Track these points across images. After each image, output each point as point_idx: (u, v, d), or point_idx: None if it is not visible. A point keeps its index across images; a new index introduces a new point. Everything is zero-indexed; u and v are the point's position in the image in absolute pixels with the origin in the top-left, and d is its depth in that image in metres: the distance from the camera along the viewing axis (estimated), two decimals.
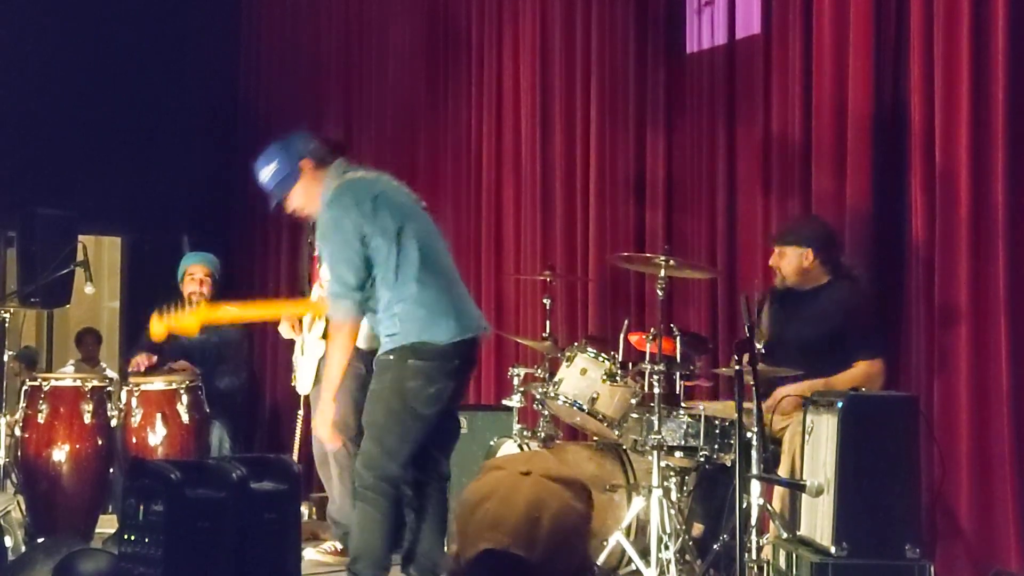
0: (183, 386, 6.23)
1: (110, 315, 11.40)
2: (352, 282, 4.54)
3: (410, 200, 4.82)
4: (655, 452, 5.02)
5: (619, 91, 6.78)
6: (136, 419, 6.15)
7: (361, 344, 6.21)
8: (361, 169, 4.81)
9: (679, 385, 5.34)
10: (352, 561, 4.77)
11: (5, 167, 8.71)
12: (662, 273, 5.28)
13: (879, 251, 5.41)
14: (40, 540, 5.56)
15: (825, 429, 4.36)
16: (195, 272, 7.01)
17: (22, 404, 6.13)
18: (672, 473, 5.16)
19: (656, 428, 5.03)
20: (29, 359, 8.47)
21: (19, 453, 6.12)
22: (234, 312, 5.96)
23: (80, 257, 6.99)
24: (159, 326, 5.69)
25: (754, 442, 4.57)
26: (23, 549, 5.50)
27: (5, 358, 6.52)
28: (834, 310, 5.15)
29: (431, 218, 4.86)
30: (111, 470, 6.20)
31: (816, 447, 4.42)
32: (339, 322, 4.61)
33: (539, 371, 5.84)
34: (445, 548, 4.91)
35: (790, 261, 5.25)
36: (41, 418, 6.04)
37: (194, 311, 5.70)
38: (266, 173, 4.78)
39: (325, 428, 4.71)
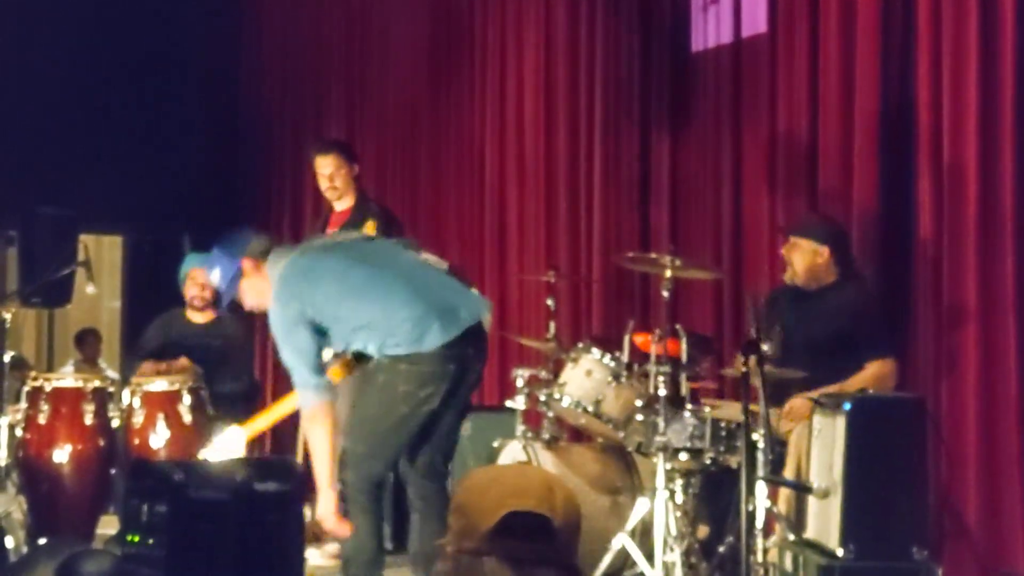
0: (185, 387, 6.21)
1: (110, 315, 11.39)
2: (308, 368, 4.55)
3: (345, 237, 4.90)
4: (660, 454, 4.99)
5: (624, 90, 6.76)
6: (138, 420, 6.13)
7: None
8: (291, 252, 4.80)
9: (685, 386, 5.31)
10: (344, 565, 4.75)
11: (6, 167, 8.69)
12: (667, 273, 5.25)
13: (886, 251, 5.38)
14: (41, 541, 5.54)
15: (832, 431, 4.33)
16: (197, 276, 6.97)
17: (23, 404, 6.11)
18: (677, 475, 5.13)
19: (661, 430, 5.01)
20: (23, 363, 8.45)
21: (20, 454, 6.10)
22: (264, 422, 5.93)
23: (81, 257, 6.97)
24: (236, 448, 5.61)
25: (760, 444, 4.54)
26: (24, 550, 5.48)
27: (6, 358, 6.50)
28: (843, 310, 5.12)
29: (380, 243, 4.98)
30: (112, 471, 6.17)
31: (823, 449, 4.40)
32: (309, 411, 4.57)
33: (543, 372, 5.81)
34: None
35: (804, 255, 5.20)
36: (42, 419, 6.03)
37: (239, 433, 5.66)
38: (213, 278, 4.87)
39: (329, 517, 4.57)
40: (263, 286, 4.71)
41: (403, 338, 4.52)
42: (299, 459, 6.66)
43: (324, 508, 4.57)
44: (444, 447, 4.78)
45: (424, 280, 4.71)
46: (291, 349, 4.56)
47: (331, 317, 4.55)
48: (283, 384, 8.50)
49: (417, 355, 4.52)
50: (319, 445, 4.56)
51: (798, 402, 4.92)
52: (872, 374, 4.98)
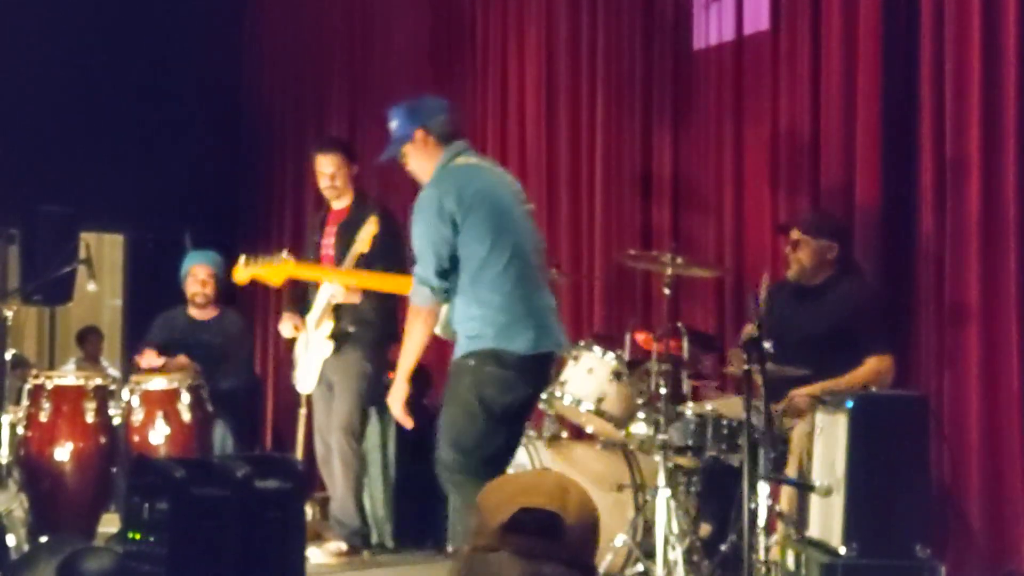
0: (185, 385, 6.21)
1: (112, 313, 11.38)
2: (434, 266, 4.44)
3: (516, 200, 4.67)
4: (662, 452, 4.98)
5: (625, 87, 6.75)
6: (138, 418, 6.13)
7: (369, 344, 6.20)
8: (477, 157, 4.71)
9: (686, 384, 5.31)
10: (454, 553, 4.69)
11: (7, 164, 8.68)
12: (669, 271, 5.25)
13: (888, 248, 5.37)
14: (43, 539, 5.53)
15: (835, 429, 4.33)
16: (198, 272, 7.01)
17: (25, 403, 6.11)
18: (679, 473, 5.13)
19: (663, 428, 5.00)
20: (24, 362, 8.46)
21: (22, 451, 6.11)
22: (321, 273, 5.85)
23: (82, 255, 6.98)
24: (244, 272, 5.69)
25: (762, 442, 4.53)
26: (25, 548, 5.48)
27: (7, 356, 6.51)
28: (843, 306, 5.12)
29: (532, 222, 4.74)
30: (113, 469, 6.18)
31: (826, 447, 4.39)
32: (416, 307, 4.51)
33: None
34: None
35: (813, 252, 5.19)
36: (44, 416, 6.03)
37: (282, 265, 5.65)
38: (391, 127, 4.77)
39: (396, 406, 4.61)
40: (426, 164, 4.63)
41: (492, 327, 4.40)
42: (299, 456, 6.67)
43: (394, 394, 4.59)
44: None
45: (542, 287, 4.61)
46: (428, 240, 4.46)
47: (463, 242, 4.43)
48: (283, 381, 8.52)
49: (504, 356, 4.40)
50: (412, 342, 4.53)
51: (799, 397, 4.92)
52: (870, 369, 4.97)
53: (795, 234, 5.24)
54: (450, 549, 5.71)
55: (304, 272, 5.85)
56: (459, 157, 4.62)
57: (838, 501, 4.23)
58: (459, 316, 4.51)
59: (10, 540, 5.28)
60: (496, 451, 4.52)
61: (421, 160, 4.66)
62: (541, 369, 4.55)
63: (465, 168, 4.60)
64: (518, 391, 4.47)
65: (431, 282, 4.46)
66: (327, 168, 6.28)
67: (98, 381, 6.24)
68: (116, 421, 6.18)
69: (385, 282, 5.69)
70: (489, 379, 4.42)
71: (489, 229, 4.45)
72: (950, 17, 5.07)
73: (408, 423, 4.62)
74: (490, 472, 4.33)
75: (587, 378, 5.27)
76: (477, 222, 4.44)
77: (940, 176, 5.10)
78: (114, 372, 8.53)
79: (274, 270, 5.71)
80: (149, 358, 6.68)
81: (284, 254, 5.82)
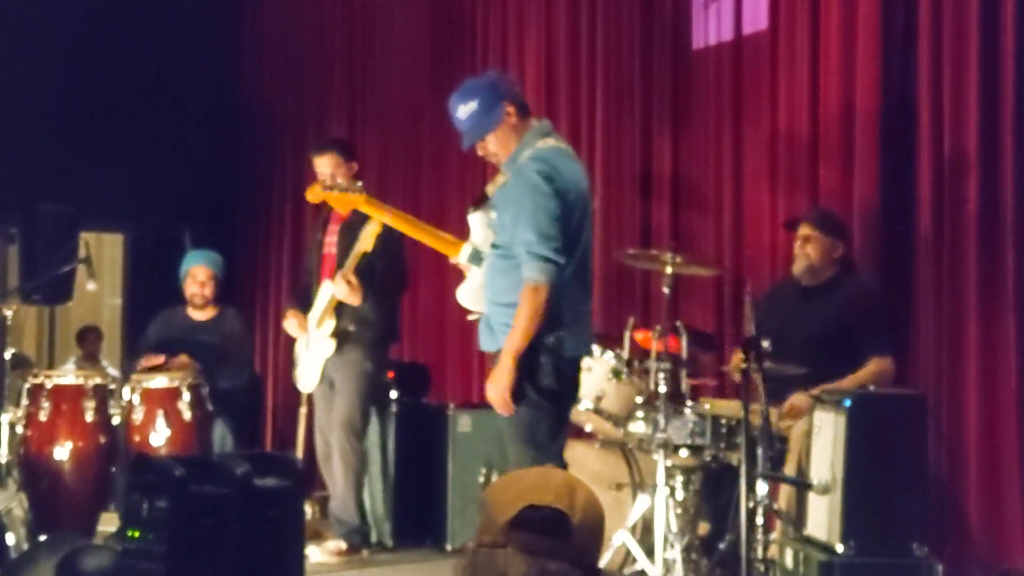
0: (185, 384, 6.22)
1: (111, 312, 11.39)
2: (559, 242, 4.19)
3: (590, 198, 4.51)
4: (661, 451, 4.99)
5: (625, 87, 6.75)
6: (138, 417, 6.14)
7: (370, 343, 6.20)
8: (565, 142, 4.52)
9: (685, 383, 5.31)
10: None
11: (7, 163, 8.69)
12: (668, 270, 5.25)
13: (887, 247, 5.38)
14: (42, 537, 5.54)
15: (833, 427, 4.34)
16: (197, 274, 7.00)
17: (24, 402, 6.12)
18: (678, 472, 5.14)
19: (662, 427, 5.01)
20: (24, 361, 8.46)
21: (21, 450, 6.11)
22: (389, 218, 5.70)
23: (82, 254, 6.98)
24: (318, 194, 5.66)
25: (760, 441, 4.53)
26: (25, 546, 5.48)
27: (7, 355, 6.51)
28: (844, 306, 5.13)
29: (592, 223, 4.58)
30: (113, 468, 6.19)
31: (823, 445, 4.40)
32: (535, 282, 4.17)
33: None
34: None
35: (823, 248, 5.20)
36: (43, 416, 6.04)
37: (354, 198, 5.62)
38: (464, 111, 4.39)
39: (497, 395, 4.24)
40: (511, 138, 4.36)
41: (543, 323, 4.22)
42: (300, 454, 6.68)
43: (494, 379, 4.23)
44: None
45: (589, 292, 4.52)
46: (548, 214, 4.19)
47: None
48: (284, 380, 8.52)
49: (550, 351, 4.27)
50: (525, 319, 4.18)
51: (799, 399, 4.92)
52: (872, 371, 4.98)
53: (806, 229, 5.25)
54: (449, 547, 5.72)
55: (371, 209, 5.77)
56: (549, 138, 4.42)
57: (836, 499, 4.24)
58: (503, 299, 4.32)
59: (9, 539, 5.28)
60: (565, 441, 4.44)
61: (507, 135, 4.37)
62: (576, 374, 4.47)
63: (563, 152, 4.40)
64: (565, 383, 4.37)
65: (558, 260, 4.20)
66: (324, 168, 6.25)
67: (98, 380, 6.25)
68: (116, 420, 6.19)
69: (437, 238, 5.53)
70: (543, 369, 4.25)
71: (572, 223, 4.29)
72: (948, 16, 5.07)
73: (509, 411, 4.27)
74: (563, 466, 4.28)
75: (586, 376, 5.25)
76: (567, 212, 4.26)
77: (939, 176, 5.11)
78: (113, 371, 8.53)
79: (347, 199, 5.68)
80: (149, 360, 6.69)
81: (360, 185, 5.83)
